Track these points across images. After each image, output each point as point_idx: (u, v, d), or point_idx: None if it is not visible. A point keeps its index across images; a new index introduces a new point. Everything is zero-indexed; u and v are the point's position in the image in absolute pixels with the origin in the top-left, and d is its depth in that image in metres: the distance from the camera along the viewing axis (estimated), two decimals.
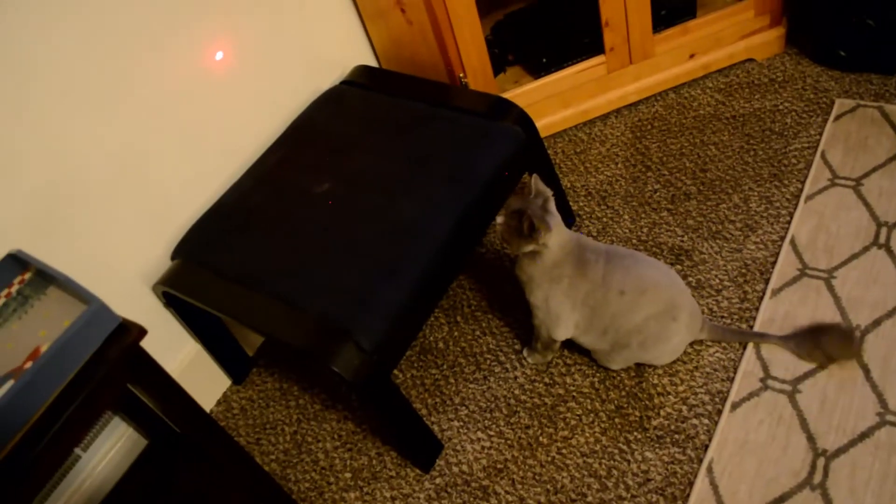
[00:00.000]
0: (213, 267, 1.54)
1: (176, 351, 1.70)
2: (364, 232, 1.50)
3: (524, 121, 1.68)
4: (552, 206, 1.46)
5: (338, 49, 1.93)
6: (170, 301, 1.61)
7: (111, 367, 1.09)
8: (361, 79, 1.89)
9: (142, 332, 1.12)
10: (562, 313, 1.49)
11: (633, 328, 1.48)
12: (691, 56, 1.98)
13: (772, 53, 2.02)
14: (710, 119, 1.97)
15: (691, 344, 1.59)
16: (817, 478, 1.39)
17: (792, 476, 1.40)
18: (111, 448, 1.60)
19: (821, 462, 1.40)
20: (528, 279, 1.50)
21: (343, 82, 1.87)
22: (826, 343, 1.50)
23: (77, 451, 1.56)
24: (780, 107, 1.94)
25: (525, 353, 1.67)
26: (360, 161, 1.64)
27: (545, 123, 1.99)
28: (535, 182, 1.46)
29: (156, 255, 1.61)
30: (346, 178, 1.62)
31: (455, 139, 1.64)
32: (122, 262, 1.55)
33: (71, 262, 1.44)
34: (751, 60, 2.04)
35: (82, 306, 1.13)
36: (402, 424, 1.51)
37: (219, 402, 1.79)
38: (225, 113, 1.69)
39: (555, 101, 1.96)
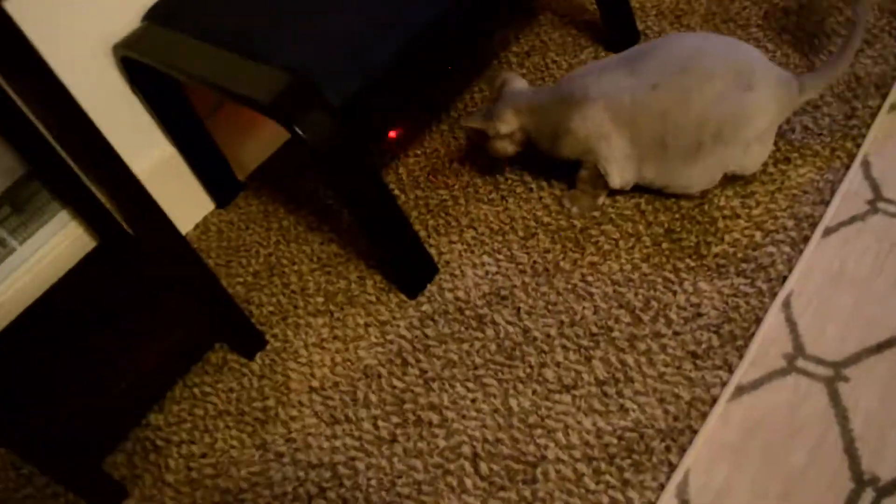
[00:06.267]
0: (184, 28, 1.27)
1: (144, 148, 1.43)
2: None
3: None
4: (512, 84, 1.29)
5: None
6: (134, 79, 1.35)
7: None
8: None
9: None
10: (599, 148, 1.18)
11: (696, 119, 1.10)
12: None
13: None
14: None
15: (776, 163, 1.20)
16: None
17: None
18: (54, 245, 1.35)
19: None
20: (572, 154, 1.23)
21: None
22: None
23: (12, 241, 1.33)
24: None
25: (566, 201, 1.29)
26: None
27: None
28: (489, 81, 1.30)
29: (127, 19, 1.35)
30: None
31: None
32: (85, 22, 1.30)
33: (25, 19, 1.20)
34: None
35: None
36: (384, 226, 1.18)
37: (196, 226, 1.52)
38: None
39: None
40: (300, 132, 1.06)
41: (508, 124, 1.24)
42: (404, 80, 1.14)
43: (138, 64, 1.31)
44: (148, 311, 1.23)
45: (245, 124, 1.56)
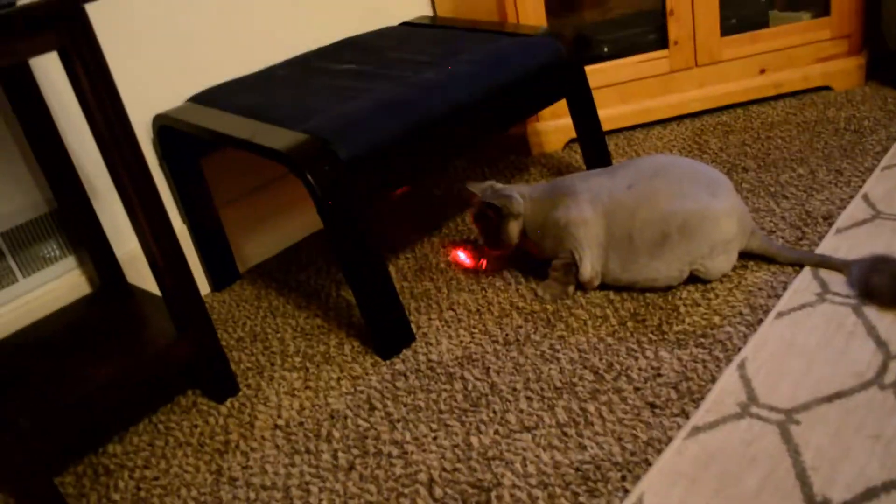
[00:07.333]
0: (221, 105, 1.45)
1: None
2: (378, 86, 1.40)
3: (567, 43, 1.59)
4: (498, 185, 1.45)
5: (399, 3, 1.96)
6: (165, 153, 1.51)
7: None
8: (421, 20, 1.88)
9: None
10: (577, 233, 1.31)
11: (662, 213, 1.24)
12: (762, 71, 1.88)
13: (851, 85, 1.89)
14: (779, 123, 1.80)
15: (735, 269, 1.31)
16: (889, 378, 1.03)
17: (853, 377, 1.05)
18: (55, 285, 1.42)
19: (894, 365, 1.05)
20: (553, 246, 1.36)
21: (401, 24, 1.87)
22: (874, 283, 1.18)
23: (18, 273, 1.39)
24: (858, 115, 1.76)
25: (539, 290, 1.40)
26: (394, 54, 1.59)
27: (601, 117, 1.88)
28: (471, 187, 1.46)
29: (173, 102, 1.54)
30: (374, 61, 1.55)
31: (494, 44, 1.56)
32: (133, 98, 1.49)
33: None
34: (827, 89, 1.91)
35: None
36: (370, 279, 1.26)
37: None
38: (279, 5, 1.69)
39: (612, 93, 1.88)
40: (309, 177, 1.20)
41: (519, 204, 1.37)
42: (405, 151, 1.30)
43: (172, 133, 1.48)
44: (127, 354, 1.26)
45: (255, 222, 1.69)
